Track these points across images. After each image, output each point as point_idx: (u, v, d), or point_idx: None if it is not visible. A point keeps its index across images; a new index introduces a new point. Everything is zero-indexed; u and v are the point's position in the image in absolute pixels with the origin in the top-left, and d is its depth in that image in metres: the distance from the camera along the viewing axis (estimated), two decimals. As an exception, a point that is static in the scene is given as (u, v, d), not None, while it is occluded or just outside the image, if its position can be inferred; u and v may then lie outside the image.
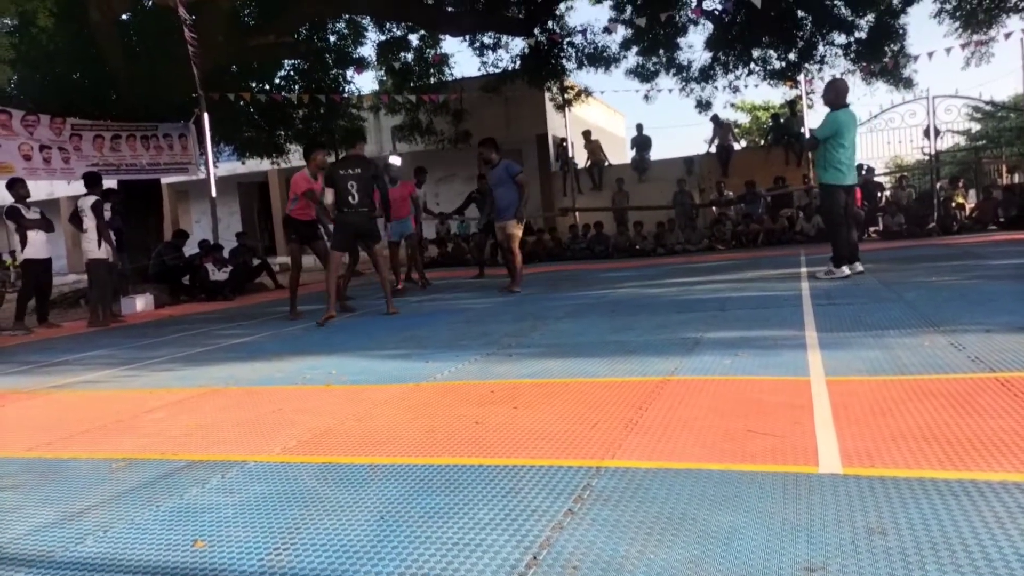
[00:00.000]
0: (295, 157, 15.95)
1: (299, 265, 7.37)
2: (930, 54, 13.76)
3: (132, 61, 11.94)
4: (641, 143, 17.67)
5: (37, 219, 8.33)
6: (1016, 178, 15.47)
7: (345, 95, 15.33)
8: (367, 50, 16.42)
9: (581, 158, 18.21)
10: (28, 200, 8.46)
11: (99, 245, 8.19)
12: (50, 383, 4.57)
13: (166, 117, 12.24)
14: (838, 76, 7.16)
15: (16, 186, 8.38)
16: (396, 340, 5.06)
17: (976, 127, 25.42)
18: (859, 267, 6.65)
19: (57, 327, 8.51)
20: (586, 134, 18.06)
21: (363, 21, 16.13)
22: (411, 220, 9.50)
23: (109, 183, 11.80)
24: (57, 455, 2.79)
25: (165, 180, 15.43)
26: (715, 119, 16.93)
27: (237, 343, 5.75)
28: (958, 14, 14.29)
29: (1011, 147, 19.49)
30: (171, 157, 12.50)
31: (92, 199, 8.22)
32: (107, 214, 8.36)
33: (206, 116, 11.93)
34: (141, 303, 9.94)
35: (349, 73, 15.86)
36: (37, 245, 8.29)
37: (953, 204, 13.04)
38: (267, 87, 14.58)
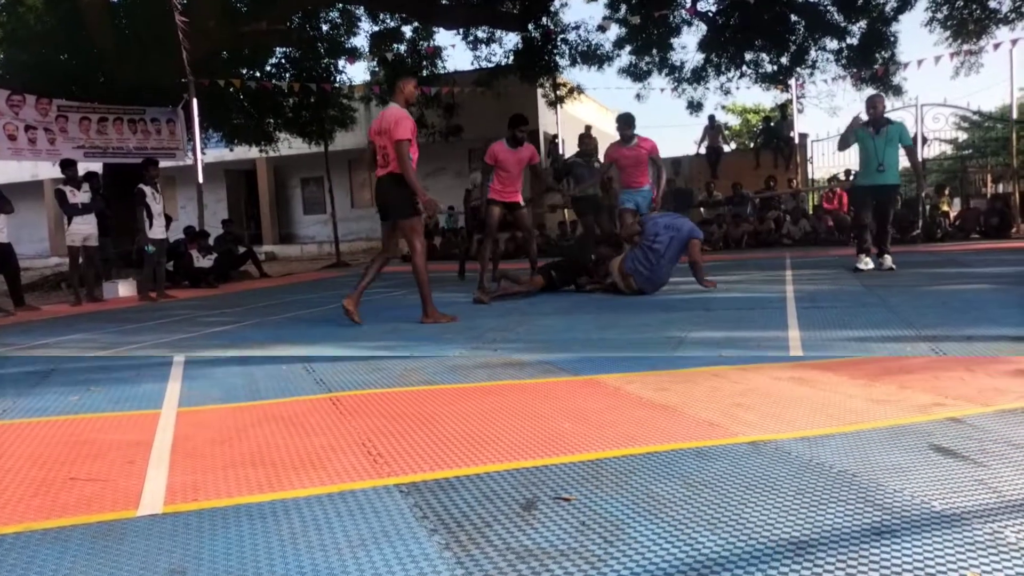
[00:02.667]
0: (284, 146, 15.86)
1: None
2: (920, 62, 13.90)
3: (121, 44, 11.82)
4: (632, 142, 17.65)
5: None
6: (1001, 188, 15.63)
7: (336, 85, 15.25)
8: (360, 40, 16.38)
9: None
10: None
11: (150, 227, 8.71)
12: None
13: (154, 101, 12.12)
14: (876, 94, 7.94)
15: None
16: (379, 332, 5.04)
17: (963, 136, 25.68)
18: (871, 264, 7.26)
19: (36, 310, 8.41)
20: (588, 128, 18.01)
21: (357, 11, 16.05)
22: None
23: (95, 166, 11.70)
24: (32, 439, 2.75)
25: (152, 165, 15.25)
26: (711, 119, 16.97)
27: (219, 330, 5.71)
28: (949, 23, 14.42)
29: (997, 157, 19.71)
30: (158, 142, 12.39)
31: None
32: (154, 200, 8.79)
33: (195, 101, 11.83)
34: (124, 288, 9.85)
35: (341, 63, 15.79)
36: None
37: (938, 212, 13.16)
38: (257, 74, 14.49)
